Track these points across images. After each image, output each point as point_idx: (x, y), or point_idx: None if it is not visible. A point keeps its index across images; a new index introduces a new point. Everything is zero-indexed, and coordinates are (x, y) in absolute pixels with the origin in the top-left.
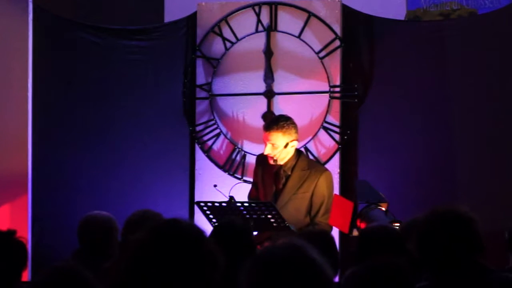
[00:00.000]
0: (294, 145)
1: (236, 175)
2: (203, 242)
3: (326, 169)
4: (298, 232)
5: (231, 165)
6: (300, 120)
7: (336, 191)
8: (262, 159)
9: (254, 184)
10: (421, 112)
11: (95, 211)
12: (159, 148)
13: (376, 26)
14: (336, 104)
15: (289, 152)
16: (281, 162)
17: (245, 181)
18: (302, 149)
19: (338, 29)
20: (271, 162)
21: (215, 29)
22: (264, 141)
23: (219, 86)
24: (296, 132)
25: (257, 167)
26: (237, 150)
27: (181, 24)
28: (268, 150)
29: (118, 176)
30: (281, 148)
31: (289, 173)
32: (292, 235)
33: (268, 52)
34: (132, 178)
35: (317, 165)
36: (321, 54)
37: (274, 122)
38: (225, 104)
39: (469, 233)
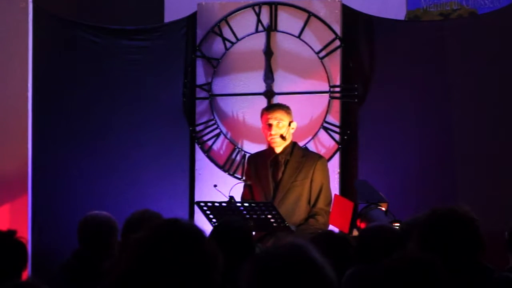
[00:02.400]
0: (294, 126)
1: (236, 175)
2: (203, 242)
3: (321, 156)
4: (299, 232)
5: (231, 165)
6: (300, 120)
7: (336, 191)
8: (253, 158)
9: (247, 185)
10: (421, 112)
11: (95, 211)
12: (159, 148)
13: (376, 26)
14: (336, 104)
15: (290, 135)
16: (285, 144)
17: (245, 181)
18: None
19: (338, 29)
20: (277, 143)
21: (215, 29)
22: (265, 124)
23: (219, 86)
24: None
25: (249, 168)
26: (237, 150)
27: (181, 24)
28: (275, 130)
29: (118, 176)
30: (286, 126)
31: (288, 158)
32: (292, 235)
33: (268, 52)
34: (132, 178)
35: (312, 152)
36: (321, 54)
37: (275, 104)
38: (225, 104)
39: (471, 233)
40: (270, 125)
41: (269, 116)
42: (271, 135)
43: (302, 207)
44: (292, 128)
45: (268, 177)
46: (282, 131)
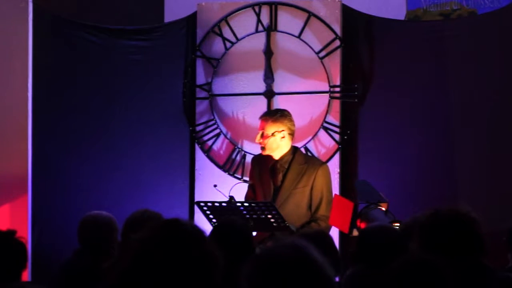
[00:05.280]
0: (284, 135)
1: (236, 175)
2: (203, 242)
3: (324, 162)
4: (298, 232)
5: (231, 165)
6: (300, 120)
7: (336, 191)
8: (258, 159)
9: (251, 186)
10: (421, 112)
11: (95, 211)
12: (159, 148)
13: (376, 26)
14: (336, 104)
15: (278, 143)
16: (274, 152)
17: (245, 181)
18: (302, 149)
19: (338, 29)
20: (261, 149)
21: (215, 29)
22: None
23: (219, 86)
24: (288, 124)
25: (253, 169)
26: (237, 150)
27: (181, 24)
28: (257, 138)
29: (118, 176)
30: (269, 136)
31: (286, 167)
32: (292, 235)
33: (268, 52)
34: (132, 178)
35: (314, 159)
36: (321, 54)
37: (270, 111)
38: (225, 104)
39: (472, 233)
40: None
41: (260, 123)
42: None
43: (302, 213)
44: (282, 137)
45: (269, 181)
46: (261, 141)
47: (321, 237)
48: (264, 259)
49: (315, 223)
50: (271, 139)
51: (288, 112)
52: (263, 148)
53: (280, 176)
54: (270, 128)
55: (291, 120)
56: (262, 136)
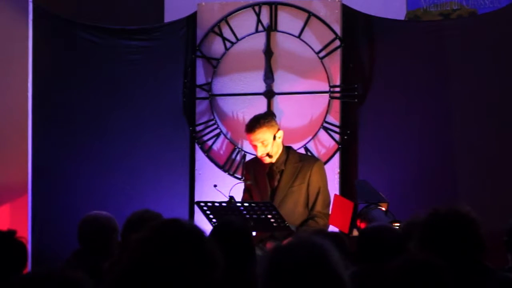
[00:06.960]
0: (281, 135)
1: (236, 175)
2: (203, 242)
3: (318, 159)
4: (298, 231)
5: (231, 165)
6: (300, 120)
7: (336, 191)
8: (251, 163)
9: (247, 189)
10: (421, 112)
11: (95, 211)
12: (159, 148)
13: (376, 26)
14: (336, 104)
15: (279, 145)
16: (275, 156)
17: (245, 181)
18: (302, 149)
19: (338, 29)
20: (266, 160)
21: (215, 29)
22: (251, 144)
23: (219, 86)
24: (277, 123)
25: (247, 173)
26: (237, 150)
27: (181, 24)
28: (260, 151)
29: (118, 176)
30: (271, 142)
31: (283, 168)
32: (292, 235)
33: (268, 52)
34: (132, 178)
35: (308, 157)
36: (321, 54)
37: (254, 121)
38: (225, 104)
39: (471, 233)
40: (255, 146)
41: (251, 138)
42: (258, 155)
43: (299, 211)
44: (279, 138)
45: (265, 184)
46: (268, 149)
47: (334, 238)
48: (281, 256)
49: (313, 221)
50: (274, 144)
51: (269, 112)
52: (270, 156)
53: (277, 178)
54: (268, 134)
55: (275, 119)
56: (263, 146)
